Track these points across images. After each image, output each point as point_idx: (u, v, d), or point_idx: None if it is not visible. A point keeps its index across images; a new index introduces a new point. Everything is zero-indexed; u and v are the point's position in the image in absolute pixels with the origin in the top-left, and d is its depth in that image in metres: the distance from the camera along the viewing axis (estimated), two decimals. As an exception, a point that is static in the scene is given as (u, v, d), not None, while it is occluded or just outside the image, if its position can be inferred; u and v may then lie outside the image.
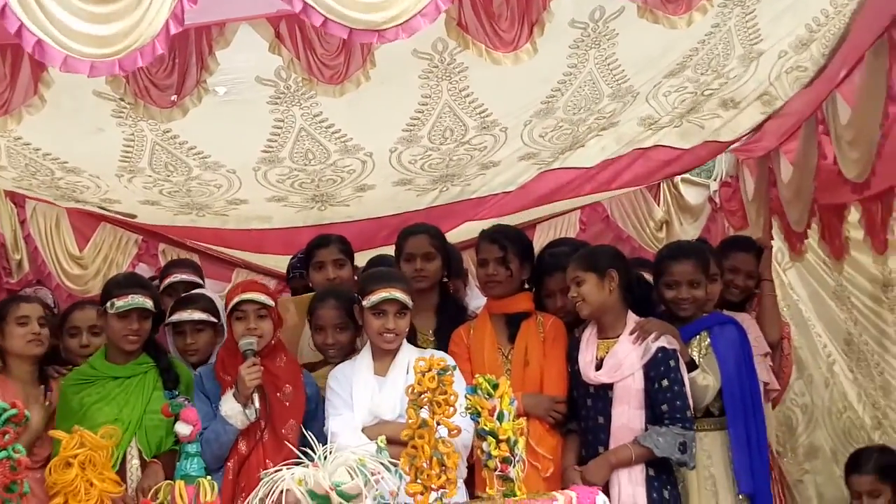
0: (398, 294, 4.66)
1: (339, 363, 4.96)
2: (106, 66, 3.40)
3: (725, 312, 5.33)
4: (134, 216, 6.58)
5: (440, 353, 4.74)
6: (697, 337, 5.01)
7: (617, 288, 4.86)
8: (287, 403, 4.76)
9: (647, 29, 4.35)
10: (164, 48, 3.41)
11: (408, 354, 4.65)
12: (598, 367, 4.82)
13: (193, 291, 5.47)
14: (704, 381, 4.90)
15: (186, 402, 4.19)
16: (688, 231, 7.66)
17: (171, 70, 4.20)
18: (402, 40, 3.65)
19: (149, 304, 4.90)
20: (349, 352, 5.06)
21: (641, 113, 5.94)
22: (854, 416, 6.85)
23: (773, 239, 7.01)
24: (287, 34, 4.16)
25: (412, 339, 4.95)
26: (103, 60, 3.37)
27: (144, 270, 6.72)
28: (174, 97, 4.25)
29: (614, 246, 5.66)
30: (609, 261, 4.89)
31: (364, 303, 4.68)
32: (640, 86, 5.36)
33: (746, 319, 5.47)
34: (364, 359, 4.79)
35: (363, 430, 4.56)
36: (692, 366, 4.91)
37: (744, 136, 6.70)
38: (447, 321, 5.15)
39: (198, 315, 5.21)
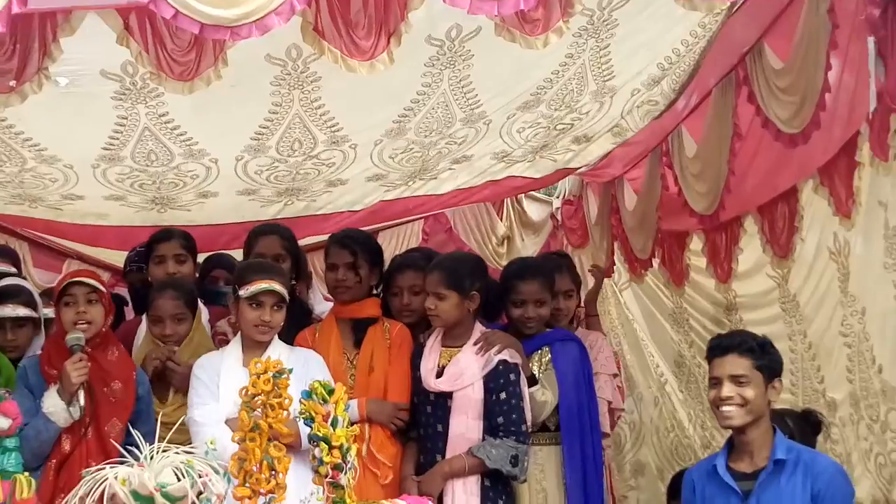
0: (276, 286, 4.60)
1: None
2: (-59, 41, 3.28)
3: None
4: (-39, 201, 6.32)
5: (308, 352, 4.77)
6: (539, 352, 5.07)
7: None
8: (113, 400, 4.62)
9: (503, 52, 4.39)
10: (5, 27, 3.30)
11: (276, 349, 4.59)
12: (440, 375, 4.84)
13: (12, 283, 5.17)
14: (543, 396, 4.96)
15: (7, 395, 4.02)
16: (528, 247, 7.81)
17: (12, 54, 4.04)
18: (256, 40, 3.62)
19: None
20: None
21: (495, 148, 6.01)
22: (682, 436, 7.01)
23: (614, 263, 7.17)
24: (137, 27, 4.04)
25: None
26: (-61, 36, 3.26)
27: None
28: (13, 83, 4.09)
29: (478, 257, 5.63)
30: (474, 282, 4.90)
31: (241, 292, 4.60)
32: (493, 113, 5.40)
33: (600, 339, 5.58)
34: (234, 350, 4.71)
35: (227, 422, 4.46)
36: (533, 381, 4.96)
37: (592, 162, 6.83)
38: (293, 324, 5.07)
39: (21, 311, 4.96)
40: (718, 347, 4.08)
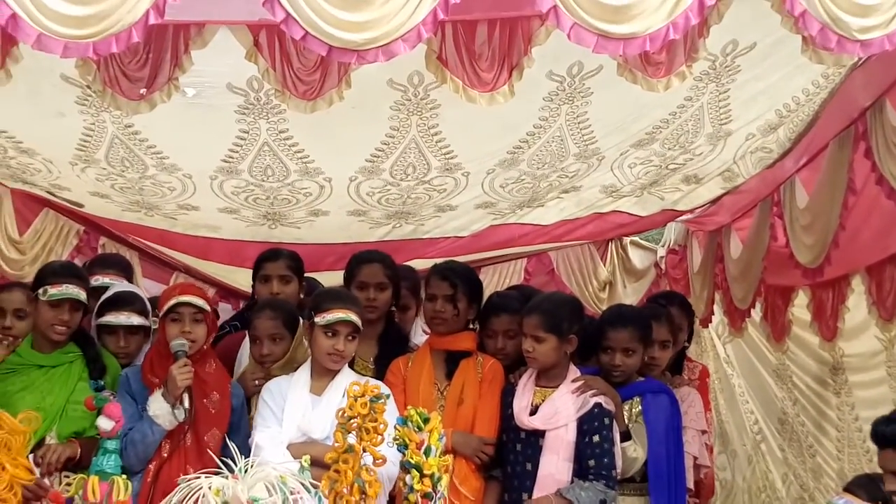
0: (353, 317, 4.60)
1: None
2: (80, 47, 3.38)
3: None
4: (81, 205, 6.47)
5: (376, 381, 4.69)
6: (630, 402, 4.99)
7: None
8: (213, 411, 4.67)
9: (623, 92, 4.39)
10: (141, 37, 3.40)
11: (346, 377, 4.56)
12: (533, 413, 4.80)
13: (128, 290, 5.23)
14: (634, 453, 4.88)
15: (112, 397, 4.09)
16: (630, 294, 7.73)
17: (145, 63, 4.14)
18: (380, 65, 3.68)
19: (83, 295, 4.77)
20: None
21: (605, 181, 6.00)
22: (773, 497, 6.89)
23: (713, 313, 7.08)
24: (266, 44, 4.13)
25: (350, 364, 4.86)
26: (77, 42, 3.35)
27: None
28: (143, 90, 4.18)
29: (577, 299, 5.54)
30: (572, 325, 4.85)
31: (316, 320, 4.59)
32: (607, 150, 5.41)
33: (692, 393, 5.48)
34: (302, 375, 4.71)
35: (289, 447, 4.49)
36: (626, 436, 4.90)
37: (699, 207, 6.77)
38: (388, 350, 5.09)
39: (136, 319, 5.00)
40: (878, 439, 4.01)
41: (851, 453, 5.93)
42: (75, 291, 4.74)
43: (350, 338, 4.62)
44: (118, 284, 5.33)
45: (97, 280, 5.32)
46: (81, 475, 3.83)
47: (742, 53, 4.49)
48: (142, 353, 5.05)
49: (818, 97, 5.08)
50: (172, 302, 4.69)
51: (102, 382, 4.74)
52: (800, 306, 6.16)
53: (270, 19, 3.52)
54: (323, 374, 4.66)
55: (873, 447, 5.46)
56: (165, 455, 4.56)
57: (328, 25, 3.44)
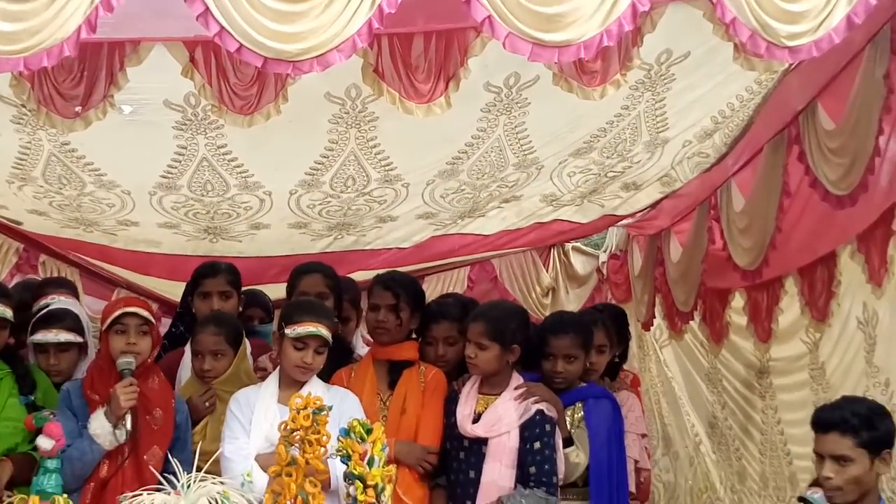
0: (323, 331, 4.60)
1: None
2: (10, 62, 3.35)
3: None
4: (20, 223, 6.41)
5: (344, 391, 4.77)
6: (572, 407, 5.03)
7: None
8: (154, 427, 4.65)
9: (560, 101, 4.42)
10: (73, 52, 3.38)
11: (314, 388, 4.56)
12: (475, 420, 4.83)
13: (59, 307, 5.20)
14: (577, 458, 4.93)
15: (52, 416, 4.05)
16: (572, 299, 7.79)
17: (79, 81, 4.12)
18: (317, 78, 3.70)
19: (8, 313, 4.74)
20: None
21: (545, 190, 6.03)
22: (714, 497, 6.94)
23: (654, 316, 7.15)
24: (202, 60, 4.12)
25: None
26: (8, 58, 3.33)
27: None
28: (78, 108, 4.16)
29: (523, 309, 5.52)
30: (516, 335, 4.88)
31: (287, 331, 4.59)
32: (546, 159, 5.43)
33: (630, 397, 5.54)
34: (270, 386, 4.71)
35: (256, 458, 4.48)
36: (569, 442, 4.93)
37: (639, 212, 6.84)
38: (331, 361, 5.10)
39: (64, 336, 4.99)
40: (820, 423, 3.88)
41: (773, 456, 5.99)
42: (1, 310, 4.70)
43: (318, 351, 4.62)
44: (57, 301, 5.30)
45: (52, 298, 5.34)
46: (21, 495, 3.80)
47: (676, 62, 4.53)
48: (78, 370, 5.04)
49: (752, 102, 5.15)
50: (118, 313, 4.66)
51: (33, 398, 4.72)
52: (736, 308, 6.22)
53: (206, 35, 3.50)
54: (291, 385, 4.64)
55: (794, 450, 5.59)
56: (103, 475, 4.52)
57: (262, 37, 3.44)
